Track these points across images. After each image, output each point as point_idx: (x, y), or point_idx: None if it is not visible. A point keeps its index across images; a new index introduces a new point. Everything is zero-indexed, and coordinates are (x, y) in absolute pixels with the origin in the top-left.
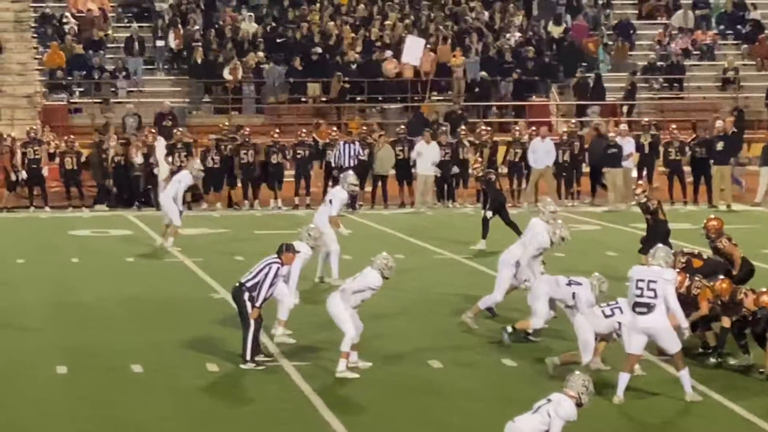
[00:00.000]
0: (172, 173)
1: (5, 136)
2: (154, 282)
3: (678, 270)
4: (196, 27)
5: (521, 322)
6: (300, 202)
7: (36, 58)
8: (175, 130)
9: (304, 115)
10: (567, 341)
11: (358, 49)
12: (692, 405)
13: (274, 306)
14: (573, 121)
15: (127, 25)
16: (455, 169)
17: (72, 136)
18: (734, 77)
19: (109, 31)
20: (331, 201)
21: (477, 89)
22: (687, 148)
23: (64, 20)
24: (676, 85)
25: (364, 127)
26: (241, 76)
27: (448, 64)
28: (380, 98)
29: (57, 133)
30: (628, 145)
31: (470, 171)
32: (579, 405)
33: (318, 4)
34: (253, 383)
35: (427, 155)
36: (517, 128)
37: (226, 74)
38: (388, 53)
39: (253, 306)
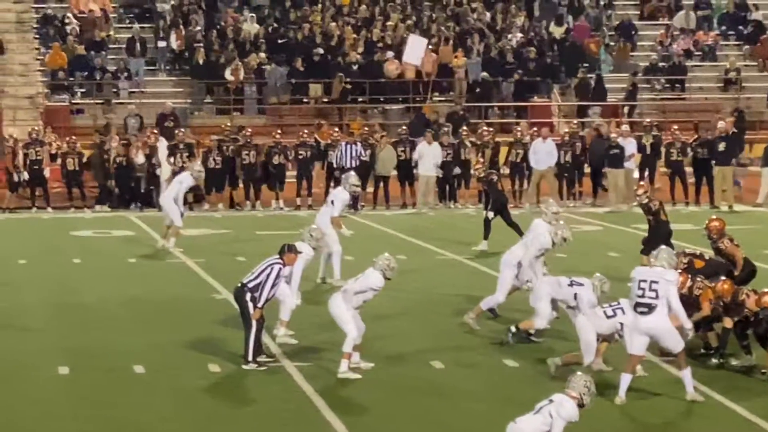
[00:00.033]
0: (174, 174)
1: (7, 136)
2: (156, 283)
3: (680, 271)
4: (198, 28)
5: (524, 321)
6: (302, 203)
7: (38, 59)
8: (177, 131)
9: (306, 115)
10: (569, 342)
11: (360, 49)
12: (694, 406)
13: (276, 307)
14: (574, 121)
15: (129, 25)
16: (457, 170)
17: (74, 137)
18: (736, 78)
19: (111, 32)
20: (332, 202)
21: (478, 90)
22: (689, 149)
23: (66, 21)
24: (677, 85)
25: (366, 128)
26: (243, 77)
27: (450, 64)
28: (382, 99)
29: (59, 134)
30: (629, 145)
31: (472, 172)
32: (581, 406)
33: (320, 5)
34: (255, 384)
35: (428, 156)
36: (519, 129)
37: (228, 75)
38: (390, 54)
39: (255, 307)
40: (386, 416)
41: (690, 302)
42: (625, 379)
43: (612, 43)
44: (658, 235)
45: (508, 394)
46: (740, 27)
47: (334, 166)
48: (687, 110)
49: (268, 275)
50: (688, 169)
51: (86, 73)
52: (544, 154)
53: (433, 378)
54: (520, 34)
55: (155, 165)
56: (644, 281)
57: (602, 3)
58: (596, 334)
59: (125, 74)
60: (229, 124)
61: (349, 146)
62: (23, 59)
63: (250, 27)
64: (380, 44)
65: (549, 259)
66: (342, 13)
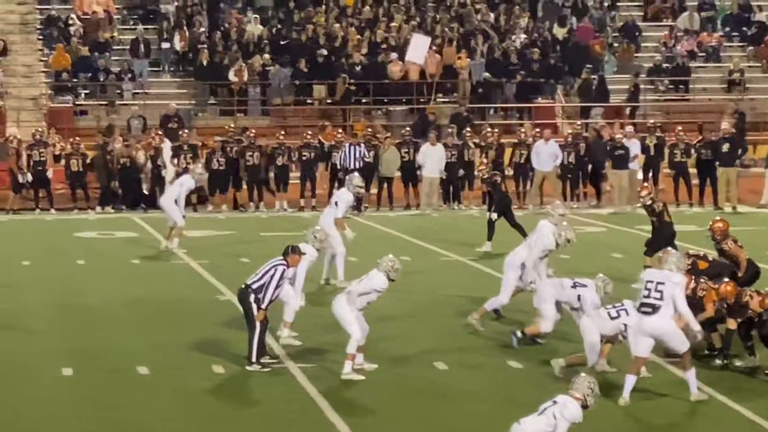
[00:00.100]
0: (178, 175)
1: (11, 138)
2: (160, 284)
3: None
4: (202, 29)
5: (531, 327)
6: (305, 204)
7: (41, 60)
8: (181, 132)
9: (310, 117)
10: (573, 343)
11: (364, 51)
12: (698, 407)
13: (280, 308)
14: (578, 122)
15: (133, 27)
16: (461, 171)
17: (77, 138)
18: (740, 79)
19: (115, 33)
20: (336, 203)
21: (482, 91)
22: (692, 150)
23: (70, 22)
24: (681, 86)
25: (370, 129)
26: (247, 78)
27: (454, 65)
28: (386, 100)
29: (62, 135)
30: (633, 146)
31: (476, 173)
32: (585, 407)
33: (323, 6)
34: (258, 385)
35: (432, 157)
36: (523, 130)
37: (232, 76)
38: (394, 55)
39: (258, 308)
40: (390, 417)
41: (694, 303)
42: (630, 381)
43: (616, 44)
44: (662, 236)
45: (511, 396)
46: (744, 28)
47: (338, 167)
48: (691, 111)
49: (272, 276)
50: (692, 171)
51: (90, 75)
52: (546, 156)
53: (437, 379)
54: (523, 35)
55: (160, 166)
56: (651, 282)
57: (606, 4)
58: (600, 336)
59: (129, 75)
60: (232, 125)
61: (352, 147)
62: (27, 60)
63: (254, 28)
64: (384, 45)
65: (552, 261)
66: (346, 14)
